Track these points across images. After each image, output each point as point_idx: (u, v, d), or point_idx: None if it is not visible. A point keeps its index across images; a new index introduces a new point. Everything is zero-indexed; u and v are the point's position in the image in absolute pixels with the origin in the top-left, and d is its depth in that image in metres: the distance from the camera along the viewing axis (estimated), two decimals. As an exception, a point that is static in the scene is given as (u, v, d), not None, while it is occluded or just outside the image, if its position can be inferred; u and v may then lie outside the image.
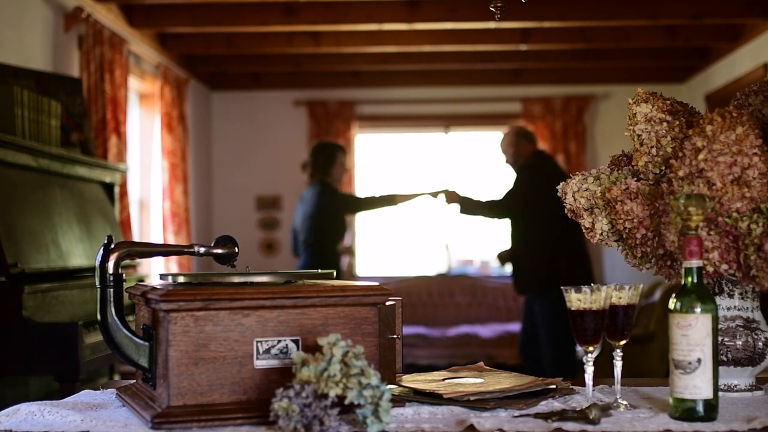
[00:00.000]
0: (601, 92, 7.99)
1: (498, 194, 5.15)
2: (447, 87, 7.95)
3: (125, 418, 1.47)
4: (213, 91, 8.09)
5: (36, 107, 3.58)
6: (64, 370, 3.03)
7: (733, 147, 1.53)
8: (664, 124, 1.69)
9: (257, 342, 1.43)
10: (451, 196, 5.10)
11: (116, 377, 4.29)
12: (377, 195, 5.33)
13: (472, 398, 1.51)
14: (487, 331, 7.15)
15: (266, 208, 8.09)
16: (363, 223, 8.10)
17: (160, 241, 6.31)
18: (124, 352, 1.47)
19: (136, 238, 5.75)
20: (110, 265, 1.48)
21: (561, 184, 1.84)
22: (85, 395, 1.67)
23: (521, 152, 5.14)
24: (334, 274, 1.66)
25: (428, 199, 5.26)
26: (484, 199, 5.11)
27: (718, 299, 1.68)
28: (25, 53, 4.44)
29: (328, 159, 5.31)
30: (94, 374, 4.02)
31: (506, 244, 5.40)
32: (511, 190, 5.07)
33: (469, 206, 5.09)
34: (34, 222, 3.27)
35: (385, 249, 8.24)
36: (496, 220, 5.24)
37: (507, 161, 5.21)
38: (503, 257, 5.51)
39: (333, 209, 5.25)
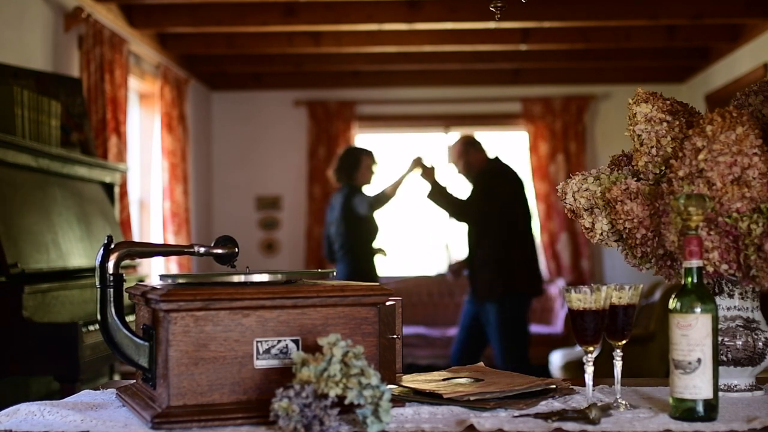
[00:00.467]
0: (601, 92, 7.99)
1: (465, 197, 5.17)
2: (447, 87, 7.95)
3: (125, 418, 1.47)
4: (213, 91, 8.09)
5: (36, 107, 3.58)
6: (64, 370, 3.03)
7: (733, 147, 1.53)
8: (664, 124, 1.69)
9: (257, 342, 1.43)
10: (427, 173, 5.11)
11: (116, 377, 4.29)
12: (375, 194, 5.35)
13: (472, 398, 1.51)
14: (487, 331, 7.14)
15: (266, 208, 8.09)
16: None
17: (160, 241, 6.31)
18: (124, 352, 1.47)
19: (136, 238, 5.75)
20: (110, 265, 1.48)
21: (567, 188, 1.84)
22: (85, 395, 1.67)
23: (472, 161, 5.16)
24: (334, 274, 1.66)
25: (410, 174, 5.25)
26: (453, 195, 5.11)
27: (718, 299, 1.67)
28: (25, 53, 4.44)
29: (352, 163, 5.39)
30: (94, 374, 4.02)
31: (460, 255, 5.45)
32: (469, 197, 5.09)
33: (437, 193, 5.09)
34: (34, 222, 3.27)
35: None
36: (453, 221, 5.24)
37: (459, 172, 5.23)
38: (455, 269, 5.48)
39: (356, 210, 5.31)
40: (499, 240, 5.01)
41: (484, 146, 5.27)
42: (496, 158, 5.22)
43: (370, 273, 5.38)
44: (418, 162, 5.16)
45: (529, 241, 5.13)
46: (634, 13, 5.73)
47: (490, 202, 5.00)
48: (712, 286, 1.68)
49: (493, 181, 5.06)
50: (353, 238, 5.33)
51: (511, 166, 5.22)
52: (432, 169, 5.11)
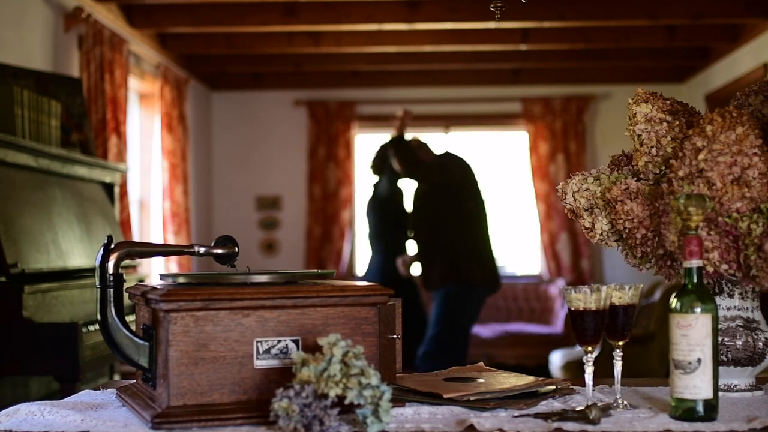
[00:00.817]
0: (601, 92, 7.99)
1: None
2: (447, 87, 7.95)
3: (125, 418, 1.46)
4: (213, 91, 8.09)
5: (36, 107, 3.58)
6: (64, 370, 3.03)
7: (733, 147, 1.53)
8: (664, 124, 1.69)
9: (257, 342, 1.43)
10: (401, 121, 5.15)
11: (116, 377, 4.29)
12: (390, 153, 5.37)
13: (472, 398, 1.51)
14: (487, 331, 7.15)
15: (266, 208, 8.09)
16: (363, 222, 8.10)
17: (160, 241, 6.31)
18: (124, 352, 1.47)
19: (136, 238, 5.75)
20: (110, 265, 1.48)
21: (563, 184, 1.84)
22: (85, 395, 1.67)
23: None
24: (334, 274, 1.66)
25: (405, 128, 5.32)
26: (413, 153, 5.12)
27: (718, 299, 1.67)
28: (25, 53, 4.44)
29: (382, 156, 5.58)
30: (94, 374, 4.02)
31: (411, 250, 5.44)
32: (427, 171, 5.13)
33: (402, 145, 5.09)
34: (34, 222, 3.27)
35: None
36: (400, 174, 5.22)
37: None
38: (407, 263, 5.40)
39: (382, 193, 5.34)
40: (446, 228, 5.00)
41: (431, 147, 5.31)
42: (446, 152, 5.26)
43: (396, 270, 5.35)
44: (403, 112, 5.20)
45: (479, 231, 5.07)
46: (634, 13, 5.73)
47: (437, 184, 5.03)
48: (712, 286, 1.68)
49: (439, 170, 5.08)
50: (376, 225, 5.38)
51: (463, 158, 5.20)
52: (404, 120, 5.15)
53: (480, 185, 5.14)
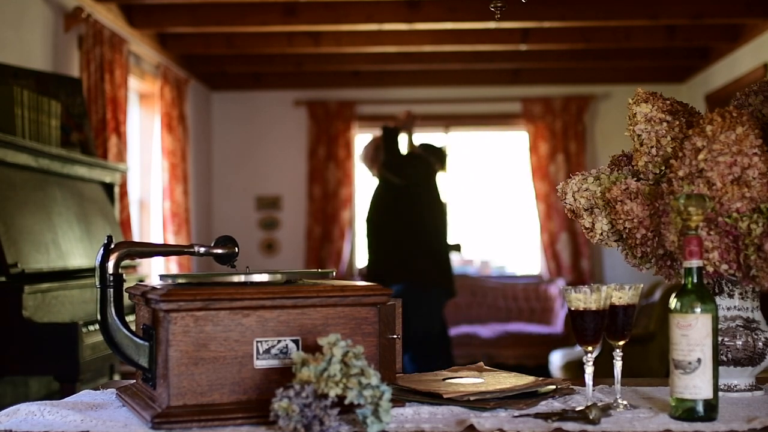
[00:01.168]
0: (601, 92, 7.99)
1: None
2: (447, 87, 7.95)
3: (125, 418, 1.46)
4: (213, 91, 8.08)
5: (36, 107, 3.58)
6: (64, 370, 3.03)
7: (733, 147, 1.53)
8: (664, 124, 1.69)
9: (257, 342, 1.43)
10: (404, 119, 5.11)
11: (116, 377, 4.29)
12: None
13: (472, 398, 1.51)
14: (487, 331, 7.15)
15: (266, 208, 8.08)
16: (362, 222, 8.10)
17: (160, 241, 6.31)
18: (124, 352, 1.47)
19: (136, 238, 5.75)
20: (110, 265, 1.48)
21: (562, 184, 1.84)
22: (85, 395, 1.67)
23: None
24: (333, 273, 1.66)
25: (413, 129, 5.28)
26: (400, 150, 5.06)
27: (718, 299, 1.67)
28: (25, 53, 4.44)
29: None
30: (94, 374, 4.02)
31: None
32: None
33: (390, 133, 5.04)
34: (34, 222, 3.27)
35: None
36: (376, 173, 5.16)
37: (374, 175, 5.25)
38: (364, 273, 5.19)
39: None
40: (402, 225, 4.94)
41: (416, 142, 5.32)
42: (422, 144, 5.28)
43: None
44: (405, 114, 5.17)
45: (434, 231, 4.99)
46: (634, 13, 5.73)
47: (403, 178, 5.00)
48: (712, 286, 1.68)
49: (408, 166, 5.08)
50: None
51: (430, 159, 5.17)
52: (404, 120, 5.08)
53: (441, 187, 5.11)
